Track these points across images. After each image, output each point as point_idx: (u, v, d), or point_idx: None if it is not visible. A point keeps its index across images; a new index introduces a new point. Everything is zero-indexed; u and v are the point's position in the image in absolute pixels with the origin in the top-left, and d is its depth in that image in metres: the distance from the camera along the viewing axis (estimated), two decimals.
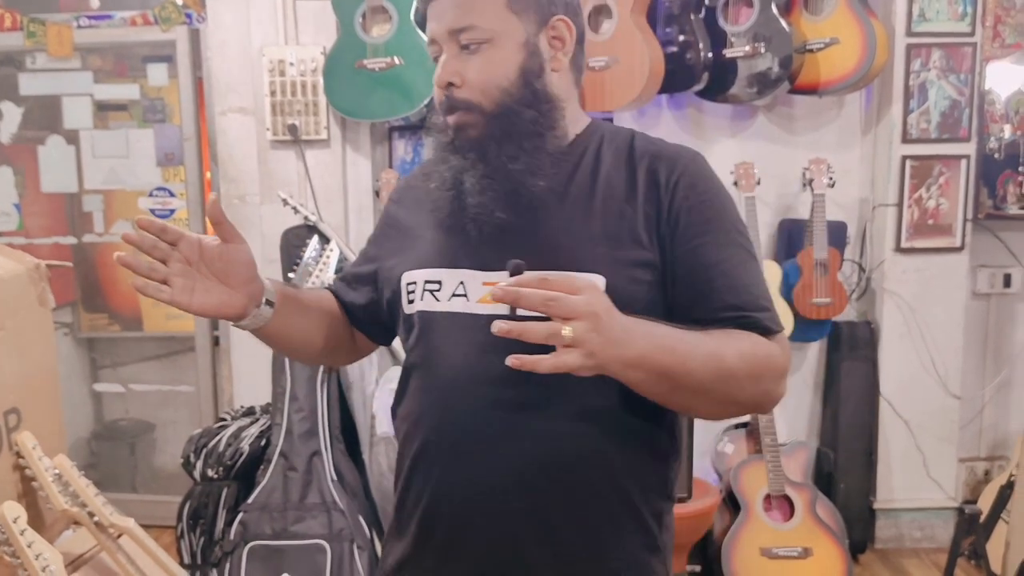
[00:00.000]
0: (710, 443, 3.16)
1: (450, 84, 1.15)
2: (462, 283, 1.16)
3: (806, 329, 3.09)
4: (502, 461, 1.12)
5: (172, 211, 3.52)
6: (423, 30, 1.26)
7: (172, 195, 3.50)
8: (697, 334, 1.06)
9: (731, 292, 1.12)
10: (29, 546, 1.64)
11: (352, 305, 1.34)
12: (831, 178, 2.99)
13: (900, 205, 3.12)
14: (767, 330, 1.11)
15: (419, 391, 1.21)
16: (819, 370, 3.34)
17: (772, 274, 3.02)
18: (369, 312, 1.33)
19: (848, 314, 3.22)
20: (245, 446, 2.77)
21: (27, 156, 3.60)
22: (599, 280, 1.08)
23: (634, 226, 1.13)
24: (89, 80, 3.50)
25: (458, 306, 1.16)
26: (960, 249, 3.16)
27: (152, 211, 3.53)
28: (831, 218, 3.05)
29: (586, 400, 1.10)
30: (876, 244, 3.22)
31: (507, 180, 1.14)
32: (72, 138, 3.54)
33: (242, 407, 3.12)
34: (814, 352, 3.33)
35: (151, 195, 3.51)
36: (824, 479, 3.16)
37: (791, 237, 3.20)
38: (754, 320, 1.11)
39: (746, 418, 3.15)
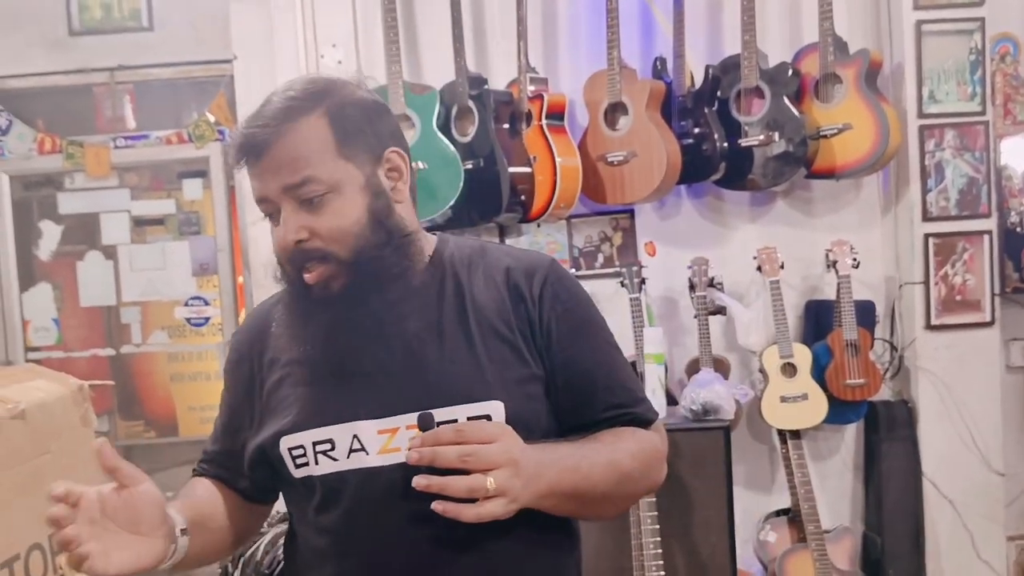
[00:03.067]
0: (751, 531, 3.11)
1: (298, 241, 1.09)
2: (356, 436, 1.10)
3: (842, 411, 3.06)
4: None
5: (207, 319, 3.60)
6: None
7: (207, 303, 3.58)
8: (591, 445, 1.12)
9: (610, 392, 1.18)
10: None
11: (246, 488, 1.27)
12: (855, 259, 3.01)
13: (927, 283, 3.12)
14: (647, 421, 1.20)
15: (337, 556, 1.14)
16: (858, 452, 3.29)
17: (802, 357, 3.01)
18: (261, 485, 1.25)
19: (883, 394, 3.19)
20: (282, 553, 2.76)
21: (66, 271, 3.71)
22: (499, 407, 1.10)
23: (515, 344, 1.14)
24: (126, 197, 3.63)
25: (360, 462, 1.10)
26: (991, 324, 3.14)
27: (187, 320, 3.61)
28: (858, 297, 3.05)
29: (509, 524, 1.06)
30: (906, 322, 3.21)
31: (381, 326, 1.11)
32: (110, 253, 3.65)
33: (278, 512, 3.11)
34: (851, 434, 3.29)
35: (187, 304, 3.60)
36: (872, 566, 3.09)
37: (819, 318, 3.20)
38: (634, 415, 1.19)
39: (786, 504, 3.11)
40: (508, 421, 1.09)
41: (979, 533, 3.15)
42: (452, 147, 3.00)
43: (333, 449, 1.11)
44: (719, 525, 2.68)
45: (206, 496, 1.24)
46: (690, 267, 3.07)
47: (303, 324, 1.13)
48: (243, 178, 3.48)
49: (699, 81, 3.08)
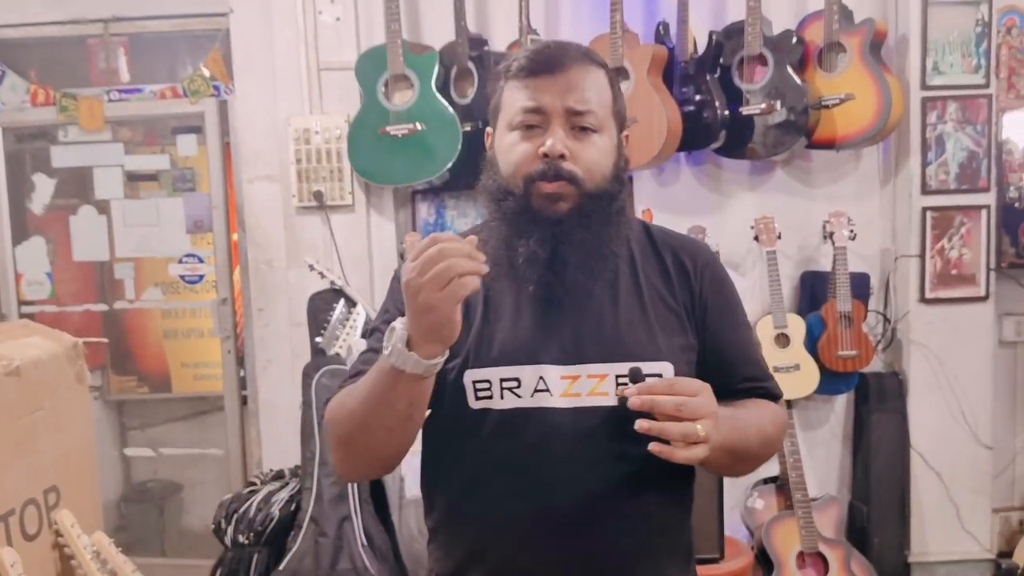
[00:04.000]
0: (739, 498, 3.14)
1: (561, 156, 1.17)
2: (542, 378, 1.19)
3: (833, 382, 3.08)
4: (595, 543, 1.20)
5: (201, 276, 3.59)
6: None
7: (201, 261, 3.56)
8: (744, 410, 1.24)
9: (748, 366, 1.31)
10: None
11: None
12: (852, 231, 3.01)
13: (922, 256, 3.13)
14: (776, 396, 1.33)
15: (506, 484, 1.21)
16: (847, 422, 3.32)
17: (796, 327, 3.02)
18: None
19: (875, 365, 3.20)
20: (275, 511, 2.79)
21: (59, 226, 3.69)
22: (668, 367, 1.21)
23: (679, 314, 1.26)
24: (120, 151, 3.60)
25: (542, 401, 1.19)
26: (985, 298, 3.15)
27: (182, 277, 3.60)
28: (853, 269, 3.06)
29: (658, 478, 1.21)
30: (900, 295, 3.22)
31: (565, 264, 1.19)
32: (103, 208, 3.62)
33: (271, 470, 3.14)
34: (841, 404, 3.31)
35: (180, 261, 3.58)
36: (857, 533, 3.13)
37: (814, 289, 3.20)
38: (767, 389, 1.32)
39: (775, 472, 3.14)
40: None
41: (965, 504, 3.19)
42: (451, 108, 2.97)
43: (519, 387, 1.19)
44: (709, 491, 2.70)
45: None
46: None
47: (517, 241, 1.19)
48: (239, 136, 3.43)
49: (702, 47, 3.05)
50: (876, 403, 3.20)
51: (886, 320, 3.27)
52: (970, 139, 3.09)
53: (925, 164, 3.10)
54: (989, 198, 3.12)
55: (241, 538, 2.76)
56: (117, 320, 3.85)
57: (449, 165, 2.97)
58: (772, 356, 3.00)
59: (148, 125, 3.69)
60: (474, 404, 1.22)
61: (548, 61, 1.20)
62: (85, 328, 3.73)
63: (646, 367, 1.18)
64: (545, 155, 1.17)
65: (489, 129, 1.31)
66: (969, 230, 3.11)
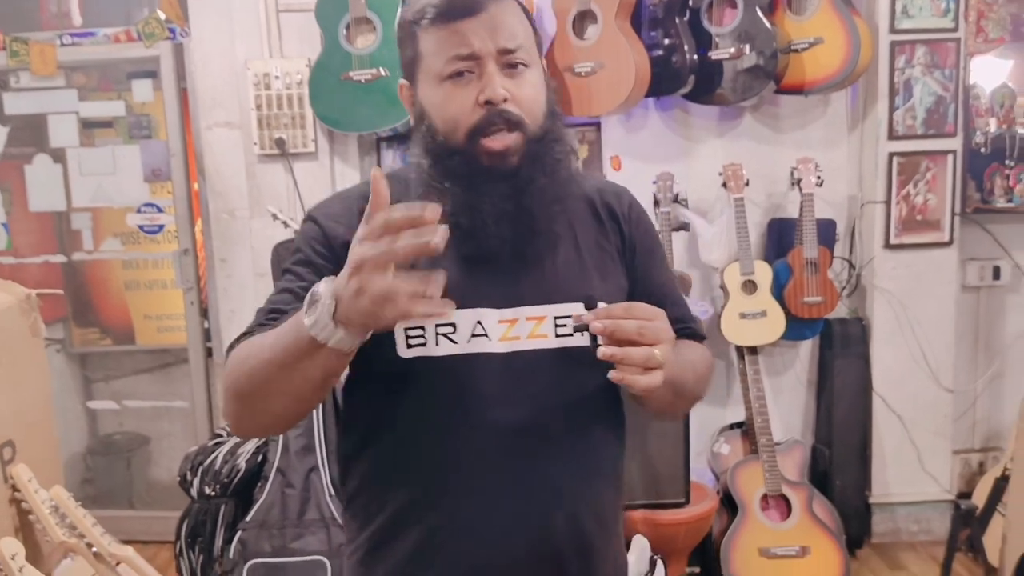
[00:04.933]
0: (705, 444, 3.18)
1: (504, 99, 1.12)
2: (479, 323, 1.15)
3: (798, 328, 3.10)
4: (537, 486, 1.18)
5: (161, 227, 3.51)
6: (409, 47, 1.17)
7: (160, 211, 3.48)
8: (677, 347, 1.17)
9: (675, 307, 1.28)
10: None
11: None
12: (819, 177, 3.00)
13: (888, 202, 3.13)
14: (702, 337, 1.34)
15: (445, 435, 1.16)
16: (812, 368, 3.35)
17: (763, 274, 3.03)
18: None
19: (839, 311, 3.23)
20: (242, 463, 2.77)
21: (14, 175, 3.58)
22: None
23: (612, 256, 1.25)
24: (74, 98, 3.48)
25: (481, 347, 1.15)
26: (949, 244, 3.17)
27: (141, 227, 3.52)
28: (820, 216, 3.06)
29: (598, 417, 1.23)
30: (865, 241, 3.23)
31: (532, 215, 1.14)
32: (59, 156, 3.51)
33: None
34: (806, 350, 3.34)
35: (139, 211, 3.49)
36: (820, 476, 3.18)
37: (781, 236, 3.21)
38: (691, 329, 1.31)
39: (741, 418, 3.17)
40: None
41: (925, 447, 3.25)
42: None
43: (455, 332, 1.14)
44: (675, 437, 2.73)
45: None
46: (655, 182, 3.04)
47: (476, 203, 1.13)
48: (196, 81, 3.33)
49: None
50: (840, 348, 3.23)
51: (851, 266, 3.28)
52: (938, 84, 3.08)
53: (893, 109, 3.08)
54: (955, 143, 3.12)
55: (207, 490, 2.75)
56: (77, 271, 3.78)
57: None
58: (739, 303, 3.01)
59: (102, 70, 3.57)
60: (405, 353, 1.14)
61: (465, 2, 1.12)
62: (45, 280, 3.66)
63: (584, 308, 1.13)
64: (487, 102, 1.11)
65: (404, 82, 1.22)
66: (935, 176, 3.12)
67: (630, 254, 1.26)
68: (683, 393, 1.21)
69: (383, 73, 2.92)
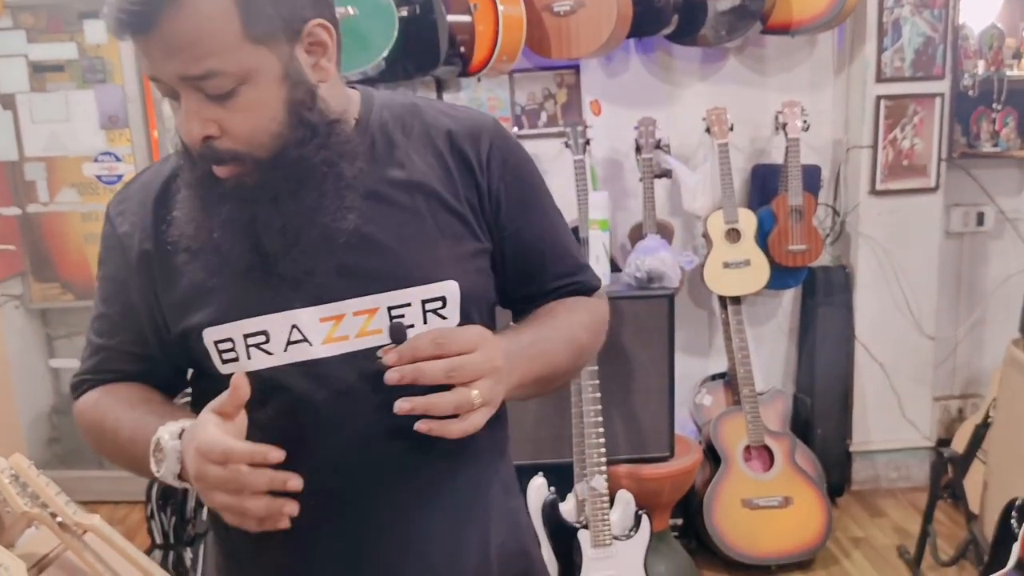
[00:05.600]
0: (687, 395, 3.13)
1: (206, 138, 0.91)
2: (295, 327, 0.97)
3: (782, 276, 3.04)
4: (398, 516, 1.03)
5: (119, 176, 3.35)
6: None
7: (118, 159, 3.32)
8: (550, 324, 1.08)
9: (558, 262, 1.13)
10: None
11: (171, 378, 1.09)
12: (805, 121, 2.92)
13: (875, 147, 3.06)
14: (592, 289, 1.17)
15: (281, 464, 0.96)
16: (793, 317, 3.31)
17: (747, 222, 2.95)
18: (174, 373, 1.09)
19: (823, 259, 3.18)
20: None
21: None
22: (453, 287, 1.00)
23: (463, 216, 1.03)
24: (22, 39, 3.28)
25: (301, 354, 0.97)
26: (935, 189, 3.12)
27: (99, 177, 3.36)
28: (805, 161, 2.98)
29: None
30: (851, 187, 3.17)
31: (315, 227, 0.95)
32: (8, 103, 3.33)
33: None
34: (789, 299, 3.30)
35: (96, 160, 3.33)
36: (801, 425, 3.17)
37: (765, 182, 3.13)
38: (581, 283, 1.15)
39: (723, 369, 3.13)
40: (462, 301, 1.01)
41: (906, 394, 3.24)
42: None
43: (268, 342, 0.97)
44: (659, 391, 2.67)
45: (140, 399, 1.06)
46: (636, 127, 2.93)
47: (211, 215, 0.95)
48: None
49: None
50: (823, 297, 3.19)
51: (835, 213, 3.22)
52: (927, 24, 2.98)
53: (881, 50, 3.00)
54: (944, 86, 3.05)
55: None
56: (34, 224, 3.61)
57: (384, 54, 2.75)
58: (723, 252, 2.94)
59: (52, 10, 3.35)
60: (222, 369, 0.99)
61: (134, 15, 0.86)
62: (0, 234, 3.49)
63: (427, 289, 0.98)
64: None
65: None
66: (922, 119, 3.05)
67: (493, 208, 1.05)
68: (552, 378, 1.06)
69: (351, 12, 2.76)
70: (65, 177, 3.45)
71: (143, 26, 0.86)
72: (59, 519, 1.79)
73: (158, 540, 2.69)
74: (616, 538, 2.43)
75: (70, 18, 3.35)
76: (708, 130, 2.93)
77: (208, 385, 1.01)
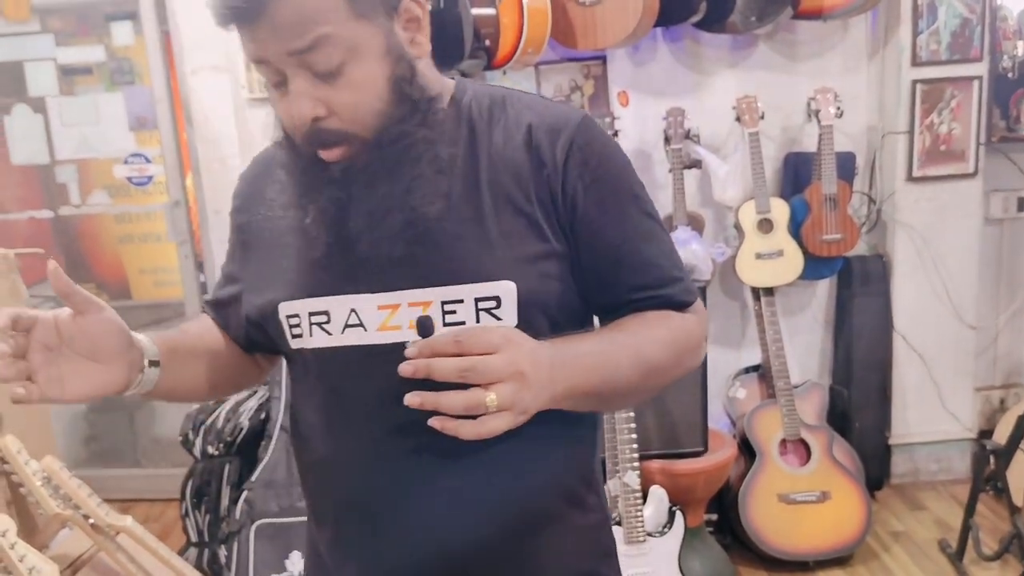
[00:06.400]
0: (721, 388, 3.09)
1: (315, 118, 0.93)
2: (354, 311, 0.99)
3: (816, 266, 2.98)
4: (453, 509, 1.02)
5: (150, 178, 3.37)
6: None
7: (148, 161, 3.34)
8: (616, 337, 1.01)
9: (637, 273, 1.03)
10: (21, 560, 1.56)
11: (241, 336, 1.16)
12: (839, 108, 2.85)
13: (911, 132, 2.99)
14: (682, 304, 1.06)
15: (328, 433, 1.07)
16: (829, 307, 3.25)
17: (779, 212, 2.90)
18: (256, 342, 1.15)
19: (858, 248, 3.11)
20: (244, 421, 2.69)
21: None
22: (509, 287, 0.97)
23: (533, 217, 0.99)
24: (51, 43, 3.31)
25: (355, 338, 1.00)
26: (973, 175, 3.03)
27: (129, 179, 3.38)
28: (838, 149, 2.91)
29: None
30: (886, 174, 3.10)
31: (402, 211, 0.97)
32: (38, 106, 3.36)
33: None
34: (824, 289, 3.23)
35: (126, 162, 3.35)
36: (838, 418, 3.10)
37: (797, 171, 3.07)
38: (665, 297, 1.05)
39: (757, 361, 3.08)
40: (520, 303, 0.97)
41: (946, 385, 3.17)
42: None
43: (328, 322, 1.01)
44: (692, 384, 2.63)
45: (198, 332, 1.16)
46: (665, 118, 2.89)
47: (310, 200, 0.99)
48: (179, 22, 3.17)
49: None
50: (859, 287, 3.12)
51: (871, 201, 3.15)
52: (964, 5, 2.90)
53: (916, 33, 2.92)
54: (982, 68, 2.96)
55: (211, 449, 2.67)
56: (68, 226, 3.65)
57: None
58: (755, 242, 2.89)
59: (79, 13, 3.39)
60: (292, 344, 1.04)
61: (241, 10, 0.89)
62: (34, 236, 3.54)
63: (482, 287, 0.96)
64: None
65: None
66: (960, 103, 2.97)
67: (568, 210, 1.00)
68: (615, 394, 1.01)
69: None
70: (96, 179, 3.49)
71: (251, 17, 0.89)
72: (92, 521, 1.80)
73: (193, 538, 2.71)
74: (650, 535, 2.39)
75: (97, 20, 3.38)
76: (738, 119, 2.87)
77: (292, 364, 1.09)
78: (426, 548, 1.02)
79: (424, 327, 0.94)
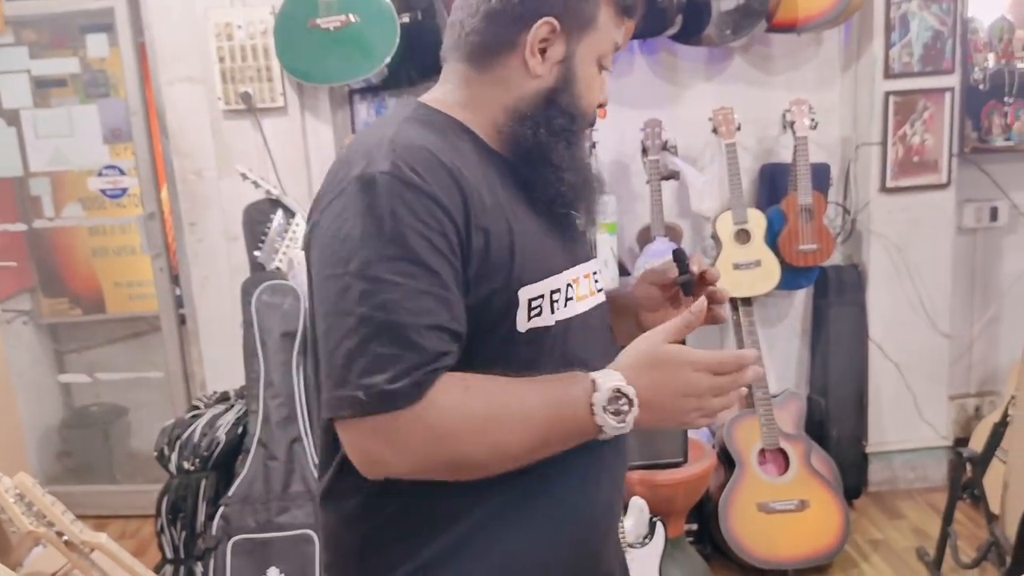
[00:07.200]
0: None
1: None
2: (570, 285, 1.11)
3: (793, 277, 3.00)
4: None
5: (124, 190, 3.34)
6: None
7: (123, 173, 3.31)
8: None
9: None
10: None
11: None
12: (813, 119, 2.88)
13: (884, 143, 3.03)
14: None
15: None
16: (806, 317, 3.27)
17: (756, 223, 2.92)
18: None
19: (834, 258, 3.14)
20: (221, 435, 2.66)
21: None
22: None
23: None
24: (24, 55, 3.28)
25: (572, 309, 1.11)
26: (946, 185, 3.07)
27: (103, 191, 3.35)
28: (813, 160, 2.94)
29: None
30: (861, 185, 3.13)
31: (593, 186, 1.18)
32: (12, 119, 3.32)
33: (215, 392, 2.99)
34: (800, 299, 3.26)
35: (100, 175, 3.32)
36: (816, 427, 3.12)
37: (773, 182, 3.10)
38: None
39: None
40: None
41: (922, 393, 3.20)
42: None
43: (559, 296, 1.10)
44: None
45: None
46: (643, 130, 2.90)
47: (560, 180, 1.12)
48: (154, 34, 3.13)
49: None
50: (835, 296, 3.15)
51: (846, 212, 3.18)
52: (935, 18, 2.95)
53: (889, 46, 2.96)
54: (953, 80, 3.01)
55: (186, 464, 2.64)
56: (42, 239, 3.60)
57: (387, 60, 2.74)
58: (732, 253, 2.91)
59: (54, 25, 3.36)
60: (523, 326, 1.03)
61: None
62: (7, 250, 3.49)
63: (589, 265, 1.18)
64: (600, 105, 1.15)
65: (557, 25, 1.05)
66: (932, 115, 3.01)
67: None
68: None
69: (353, 19, 2.75)
70: (70, 192, 3.45)
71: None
72: (65, 538, 1.78)
73: (168, 555, 2.68)
74: (631, 545, 2.39)
75: (72, 32, 3.35)
76: (715, 130, 2.90)
77: (489, 353, 1.01)
78: (584, 511, 1.12)
79: (680, 255, 1.20)
